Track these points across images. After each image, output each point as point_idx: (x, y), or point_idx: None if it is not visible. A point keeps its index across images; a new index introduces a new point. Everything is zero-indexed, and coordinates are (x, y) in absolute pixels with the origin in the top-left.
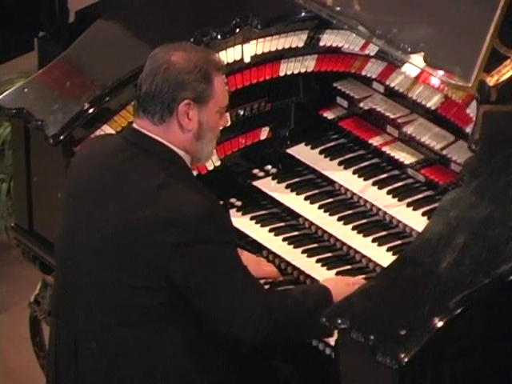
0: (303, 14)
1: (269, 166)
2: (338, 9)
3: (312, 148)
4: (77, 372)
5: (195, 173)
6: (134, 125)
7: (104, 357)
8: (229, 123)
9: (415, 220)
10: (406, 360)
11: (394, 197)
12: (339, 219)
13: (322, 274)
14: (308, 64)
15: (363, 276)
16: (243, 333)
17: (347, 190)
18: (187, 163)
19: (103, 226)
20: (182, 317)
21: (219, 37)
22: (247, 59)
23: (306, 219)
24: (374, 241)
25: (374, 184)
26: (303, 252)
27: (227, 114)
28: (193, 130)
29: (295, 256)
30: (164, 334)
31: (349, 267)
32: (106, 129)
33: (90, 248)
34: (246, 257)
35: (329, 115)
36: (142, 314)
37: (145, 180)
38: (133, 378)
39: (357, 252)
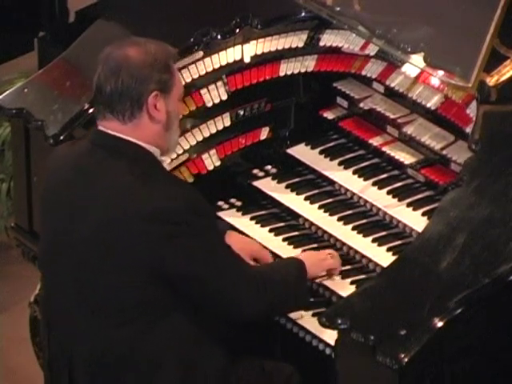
0: (303, 13)
1: (269, 166)
2: (338, 9)
3: (312, 148)
4: (71, 379)
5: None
6: (100, 127)
7: (96, 359)
8: (229, 123)
9: (415, 220)
10: (406, 360)
11: (394, 197)
12: (339, 219)
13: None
14: (308, 64)
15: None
16: (242, 311)
17: (347, 190)
18: (158, 158)
19: (83, 229)
20: (174, 310)
21: (219, 37)
22: (247, 59)
23: (306, 219)
24: (374, 241)
25: (374, 184)
26: (303, 252)
27: (227, 114)
28: (162, 120)
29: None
30: (156, 331)
31: (349, 267)
32: None
33: (73, 253)
34: (237, 238)
35: (329, 115)
36: (132, 313)
37: (119, 179)
38: (126, 378)
39: (357, 252)
